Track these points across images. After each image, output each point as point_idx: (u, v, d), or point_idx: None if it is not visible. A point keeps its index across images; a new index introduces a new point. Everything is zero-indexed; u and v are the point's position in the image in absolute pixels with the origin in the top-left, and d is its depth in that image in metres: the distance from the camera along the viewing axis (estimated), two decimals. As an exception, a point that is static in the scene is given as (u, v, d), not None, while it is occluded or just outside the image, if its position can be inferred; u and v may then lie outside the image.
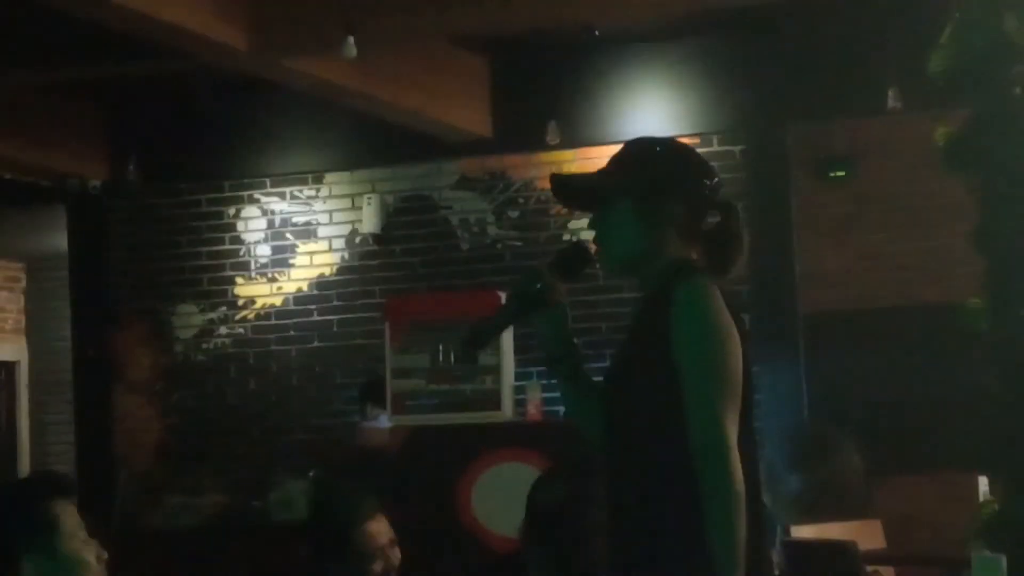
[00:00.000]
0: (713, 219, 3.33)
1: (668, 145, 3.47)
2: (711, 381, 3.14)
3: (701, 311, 3.18)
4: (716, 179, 3.38)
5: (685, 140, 9.17)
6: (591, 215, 3.38)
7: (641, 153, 3.39)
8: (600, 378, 3.40)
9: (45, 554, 2.97)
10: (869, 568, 7.48)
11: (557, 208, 9.75)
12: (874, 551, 7.94)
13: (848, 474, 8.79)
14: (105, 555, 3.04)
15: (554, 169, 9.69)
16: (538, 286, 3.32)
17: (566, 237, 9.69)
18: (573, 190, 3.49)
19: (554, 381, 3.47)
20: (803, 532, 8.06)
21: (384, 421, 9.11)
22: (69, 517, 3.01)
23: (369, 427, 9.15)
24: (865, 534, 8.05)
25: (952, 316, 7.00)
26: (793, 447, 8.89)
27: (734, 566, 3.04)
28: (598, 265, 3.43)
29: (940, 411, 8.84)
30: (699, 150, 10.07)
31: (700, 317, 3.17)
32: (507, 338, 8.89)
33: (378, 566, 4.22)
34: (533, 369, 8.71)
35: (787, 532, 8.06)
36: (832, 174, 9.31)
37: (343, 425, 9.90)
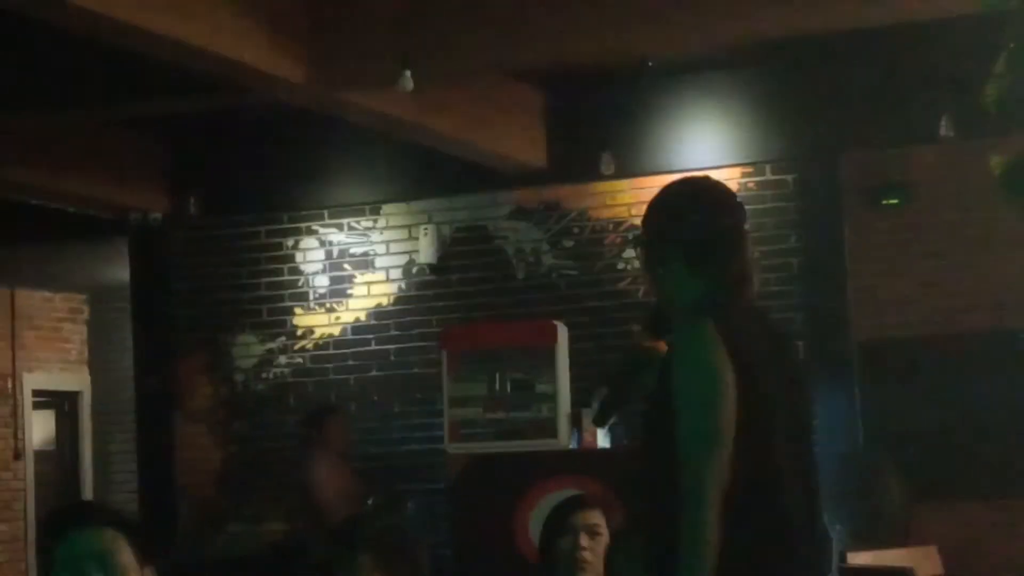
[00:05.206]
0: (729, 253, 3.42)
1: (669, 189, 3.54)
2: (690, 431, 3.24)
3: (685, 358, 3.29)
4: (724, 214, 3.44)
5: (737, 170, 9.42)
6: None
7: (652, 200, 3.54)
8: None
9: None
10: (926, 594, 7.47)
11: (612, 237, 9.80)
12: None
13: (887, 503, 8.78)
14: None
15: (608, 199, 9.82)
16: (636, 352, 3.57)
17: (620, 266, 9.73)
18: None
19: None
20: (860, 558, 8.05)
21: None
22: (113, 545, 2.91)
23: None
24: (922, 560, 8.04)
25: (1009, 343, 6.99)
26: (842, 476, 8.88)
27: None
28: None
29: (997, 438, 8.81)
30: (752, 179, 10.04)
31: (684, 365, 3.28)
32: (563, 366, 8.95)
33: None
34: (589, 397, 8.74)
35: (844, 558, 8.06)
36: (885, 202, 9.28)
37: (404, 454, 10.01)
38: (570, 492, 6.69)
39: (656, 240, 3.45)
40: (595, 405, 3.58)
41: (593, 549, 4.53)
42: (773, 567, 3.27)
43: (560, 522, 4.64)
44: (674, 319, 3.43)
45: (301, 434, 9.61)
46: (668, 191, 3.52)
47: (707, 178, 3.67)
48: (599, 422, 3.57)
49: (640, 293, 9.34)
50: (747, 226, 3.48)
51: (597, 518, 4.61)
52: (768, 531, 3.27)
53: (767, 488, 3.28)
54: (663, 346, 3.49)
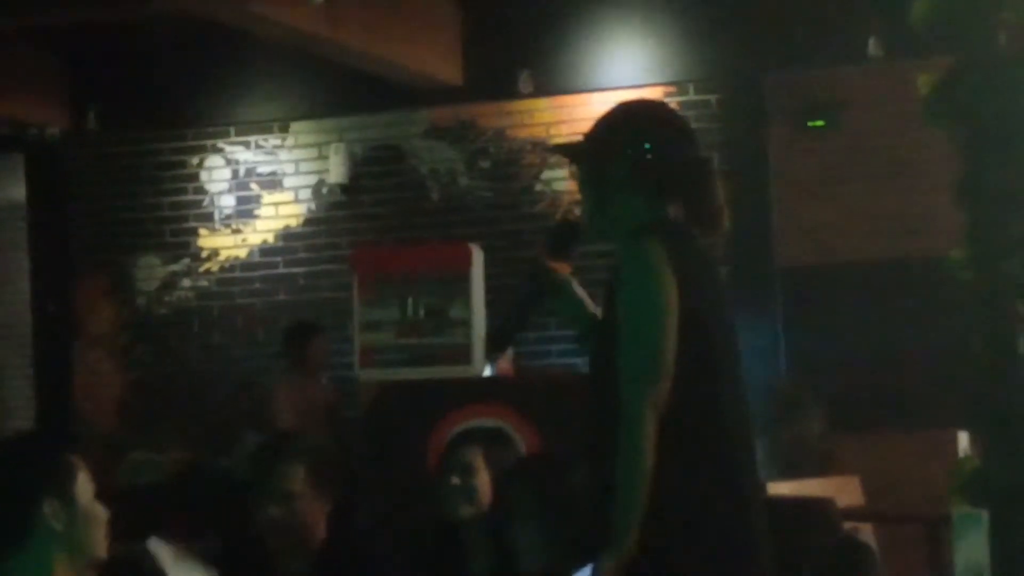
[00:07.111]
0: (684, 178, 3.42)
1: (619, 107, 3.55)
2: (631, 350, 3.27)
3: (631, 278, 3.31)
4: (679, 137, 3.45)
5: (660, 89, 9.33)
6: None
7: (599, 118, 3.53)
8: None
9: (63, 499, 3.07)
10: (848, 525, 7.45)
11: (530, 158, 9.78)
12: (853, 508, 7.91)
13: (808, 433, 8.83)
14: (108, 514, 3.18)
15: (526, 119, 9.81)
16: (536, 275, 3.50)
17: (538, 188, 9.75)
18: (569, 153, 3.78)
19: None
20: (780, 489, 8.04)
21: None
22: (82, 471, 3.14)
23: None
24: (844, 491, 8.07)
25: (934, 270, 6.94)
26: (763, 405, 8.92)
27: (626, 524, 3.19)
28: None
29: (920, 366, 8.85)
30: (674, 99, 10.00)
31: (630, 285, 3.30)
32: (478, 291, 8.83)
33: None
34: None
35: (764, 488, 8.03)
36: (811, 124, 9.27)
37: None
38: (478, 423, 6.66)
39: (611, 158, 3.42)
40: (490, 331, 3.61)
41: (464, 485, 4.74)
42: (714, 489, 3.31)
43: (444, 459, 4.89)
44: (616, 240, 3.42)
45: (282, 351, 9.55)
46: (632, 110, 3.52)
47: (665, 103, 3.84)
48: (495, 348, 3.62)
49: (559, 215, 9.28)
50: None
51: (471, 456, 4.77)
52: (710, 454, 3.32)
53: (709, 413, 3.32)
54: (565, 269, 3.51)
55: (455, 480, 4.74)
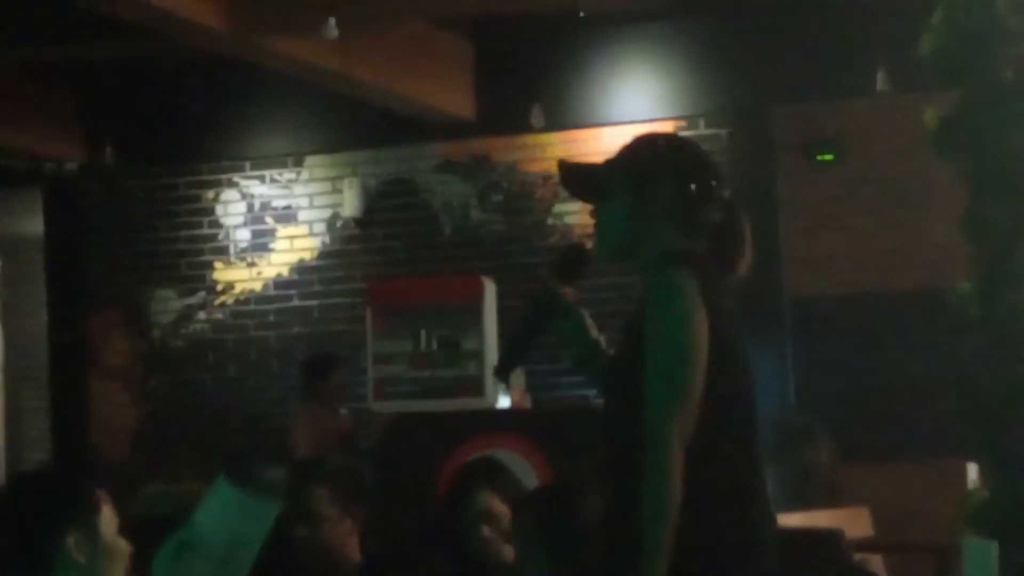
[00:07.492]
0: (716, 214, 3.40)
1: (664, 139, 3.56)
2: (660, 380, 3.22)
3: (664, 307, 3.26)
4: (713, 174, 3.43)
5: (670, 123, 9.36)
6: (593, 206, 3.51)
7: (637, 146, 3.48)
8: None
9: (87, 533, 3.07)
10: (857, 556, 7.43)
11: (541, 191, 9.73)
12: (862, 539, 7.88)
13: (817, 463, 8.79)
14: (131, 549, 3.18)
15: (538, 153, 9.75)
16: (543, 297, 3.45)
17: (550, 221, 9.70)
18: (577, 180, 3.61)
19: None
20: (789, 520, 7.99)
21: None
22: (107, 505, 3.14)
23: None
24: (853, 522, 8.00)
25: (941, 302, 6.95)
26: (772, 435, 8.86)
27: (653, 559, 3.14)
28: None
29: (929, 397, 8.78)
30: (685, 133, 10.05)
31: (662, 314, 3.26)
32: (490, 323, 8.83)
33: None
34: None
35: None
36: (820, 157, 9.26)
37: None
38: (487, 454, 6.62)
39: (645, 188, 3.39)
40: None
41: (498, 533, 4.57)
42: (726, 519, 3.27)
43: (460, 509, 4.68)
44: (641, 270, 3.40)
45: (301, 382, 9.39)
46: (662, 142, 3.51)
47: (686, 138, 3.74)
48: (500, 373, 3.54)
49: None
50: None
51: (488, 499, 4.63)
52: (723, 484, 3.28)
53: (724, 443, 3.29)
54: (570, 293, 3.48)
55: (487, 532, 4.58)
